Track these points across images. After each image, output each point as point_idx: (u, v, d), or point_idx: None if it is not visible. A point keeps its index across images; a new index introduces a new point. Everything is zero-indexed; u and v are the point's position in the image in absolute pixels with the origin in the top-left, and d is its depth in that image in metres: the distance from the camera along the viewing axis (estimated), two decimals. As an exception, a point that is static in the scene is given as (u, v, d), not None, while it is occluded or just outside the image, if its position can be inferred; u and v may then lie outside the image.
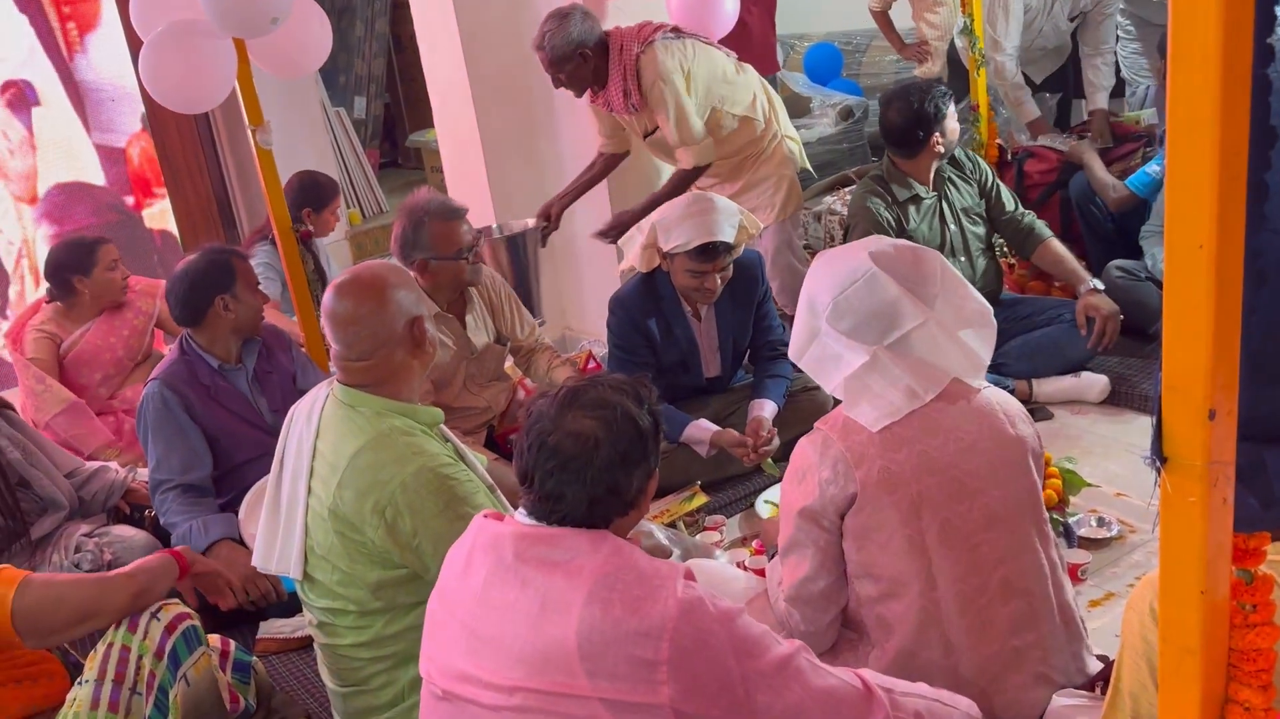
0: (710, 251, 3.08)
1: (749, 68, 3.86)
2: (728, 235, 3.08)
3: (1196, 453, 0.95)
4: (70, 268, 3.78)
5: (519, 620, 1.54)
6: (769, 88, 3.97)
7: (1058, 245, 3.69)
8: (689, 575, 1.57)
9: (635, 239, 3.30)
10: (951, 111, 3.53)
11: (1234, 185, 0.91)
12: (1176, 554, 0.99)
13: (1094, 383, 3.53)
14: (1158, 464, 0.97)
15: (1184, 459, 0.96)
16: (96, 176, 5.24)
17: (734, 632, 1.54)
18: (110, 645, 2.03)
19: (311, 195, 4.24)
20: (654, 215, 3.24)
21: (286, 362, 3.26)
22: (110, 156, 5.18)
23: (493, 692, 1.55)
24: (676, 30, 3.67)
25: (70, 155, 5.18)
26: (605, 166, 4.01)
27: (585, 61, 3.57)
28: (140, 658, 2.02)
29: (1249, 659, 1.03)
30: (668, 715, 1.48)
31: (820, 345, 2.03)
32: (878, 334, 1.99)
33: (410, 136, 7.85)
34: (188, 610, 2.12)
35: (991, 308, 2.09)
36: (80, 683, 2.03)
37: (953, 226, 3.62)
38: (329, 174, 5.87)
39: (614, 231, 3.82)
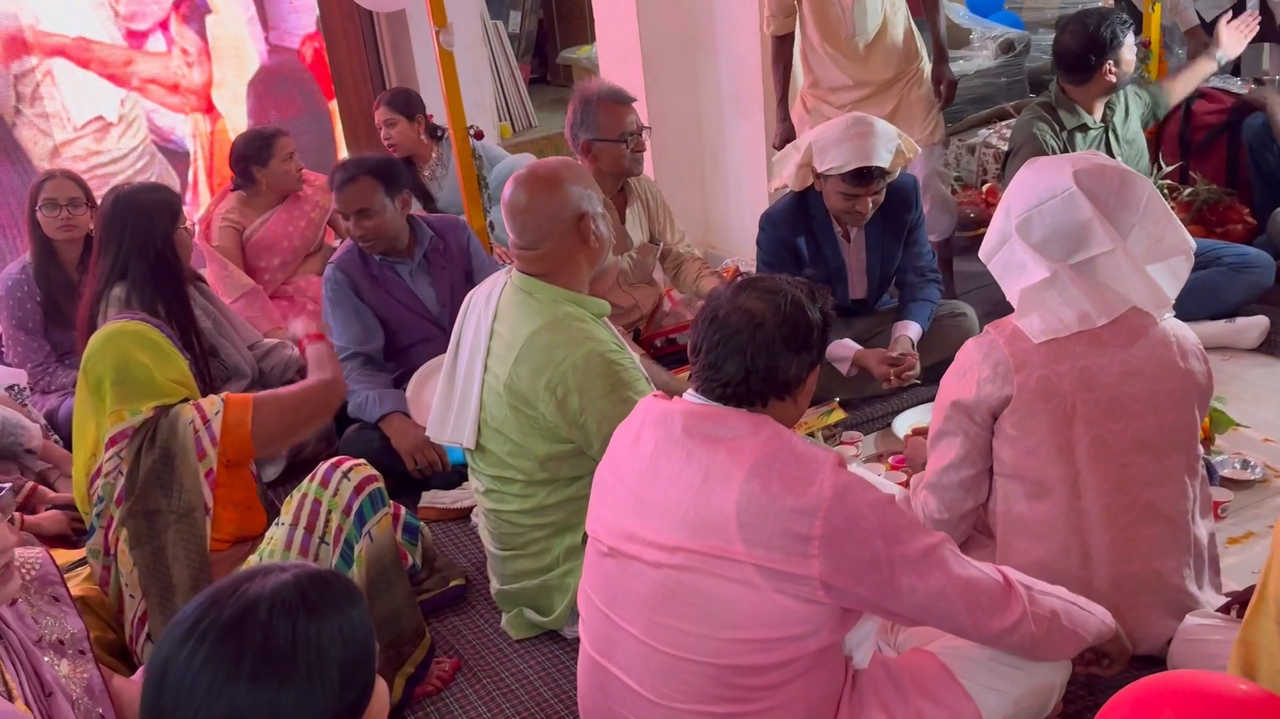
0: (864, 176, 3.10)
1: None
2: (883, 160, 3.09)
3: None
4: (249, 158, 4.05)
5: (684, 488, 1.66)
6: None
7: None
8: (842, 463, 1.66)
9: (791, 157, 3.34)
10: (1130, 42, 3.44)
11: None
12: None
13: (1251, 327, 3.46)
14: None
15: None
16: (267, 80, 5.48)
17: (884, 516, 1.63)
18: (304, 495, 2.21)
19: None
20: (811, 135, 3.28)
21: (460, 255, 3.37)
22: (282, 56, 5.42)
23: (656, 550, 1.68)
24: None
25: (240, 59, 5.42)
26: (780, 50, 3.96)
27: None
28: (330, 513, 2.19)
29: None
30: (816, 587, 1.59)
31: (1008, 251, 2.07)
32: (1064, 252, 2.01)
33: (561, 53, 7.94)
34: (375, 473, 2.27)
35: (1195, 244, 2.07)
36: (278, 524, 2.23)
37: (1118, 158, 3.57)
38: (481, 90, 6.06)
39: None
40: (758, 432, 1.67)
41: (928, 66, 3.91)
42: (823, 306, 1.77)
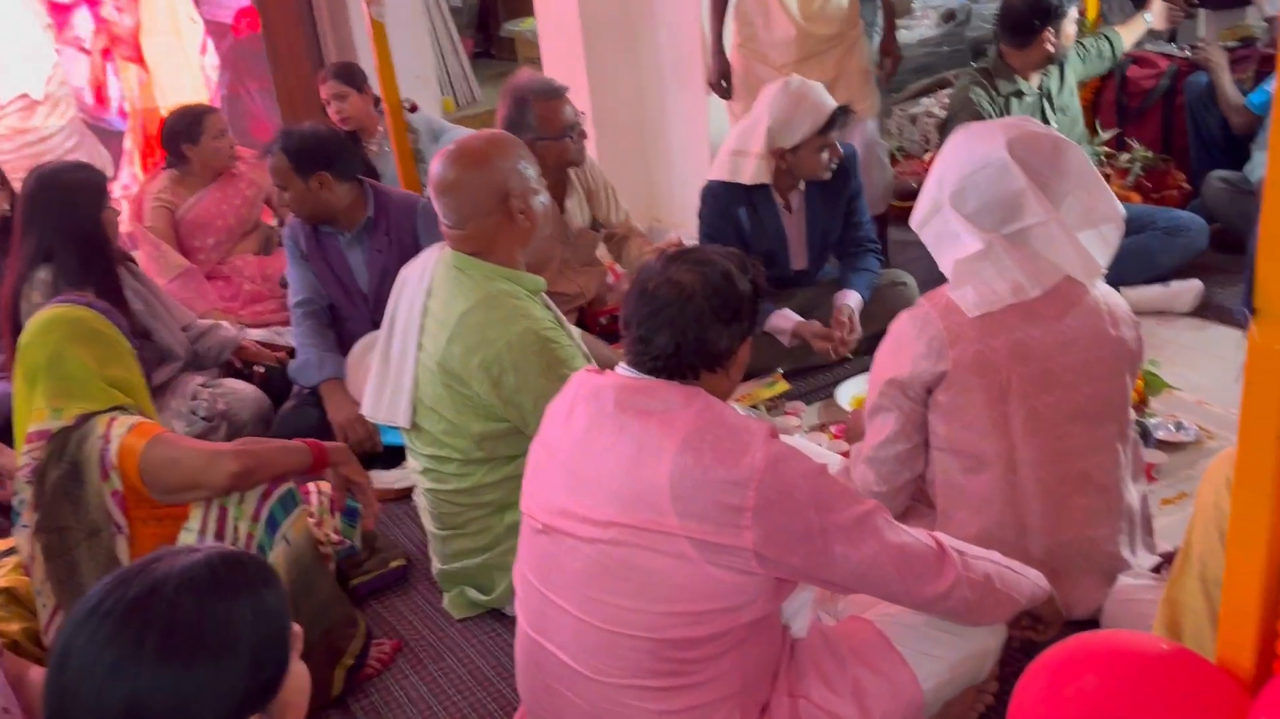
0: (834, 118, 3.17)
1: None
2: (835, 100, 3.18)
3: (1285, 303, 1.00)
4: (180, 136, 3.96)
5: (616, 462, 1.64)
6: None
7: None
8: (775, 433, 1.65)
9: (744, 161, 3.27)
10: (1073, 14, 3.49)
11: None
12: (1257, 402, 1.05)
13: (1186, 291, 3.51)
14: (1247, 314, 1.03)
15: (1273, 310, 1.01)
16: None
17: (816, 486, 1.63)
18: (209, 502, 2.10)
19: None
20: (753, 128, 3.23)
21: (407, 236, 3.23)
22: (217, 32, 5.29)
23: (590, 525, 1.66)
24: None
25: (175, 33, 5.28)
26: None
27: None
28: (237, 522, 2.10)
29: (1317, 506, 1.09)
30: (750, 558, 1.59)
31: (941, 221, 2.06)
32: (997, 222, 2.01)
33: (504, 26, 7.85)
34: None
35: (1125, 212, 2.07)
36: (186, 530, 2.11)
37: (1054, 124, 3.59)
38: (423, 63, 5.96)
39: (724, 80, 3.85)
40: (690, 404, 1.66)
41: (864, 40, 3.88)
42: (753, 277, 1.75)
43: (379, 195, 3.25)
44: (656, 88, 4.55)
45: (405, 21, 5.76)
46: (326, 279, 3.25)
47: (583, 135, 3.36)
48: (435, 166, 2.28)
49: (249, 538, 2.10)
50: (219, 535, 2.10)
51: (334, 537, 2.55)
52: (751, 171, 3.25)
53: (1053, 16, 3.44)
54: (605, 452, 1.67)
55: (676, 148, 4.58)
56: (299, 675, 1.16)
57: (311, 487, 2.62)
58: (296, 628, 1.17)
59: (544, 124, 3.24)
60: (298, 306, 3.24)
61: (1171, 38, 4.64)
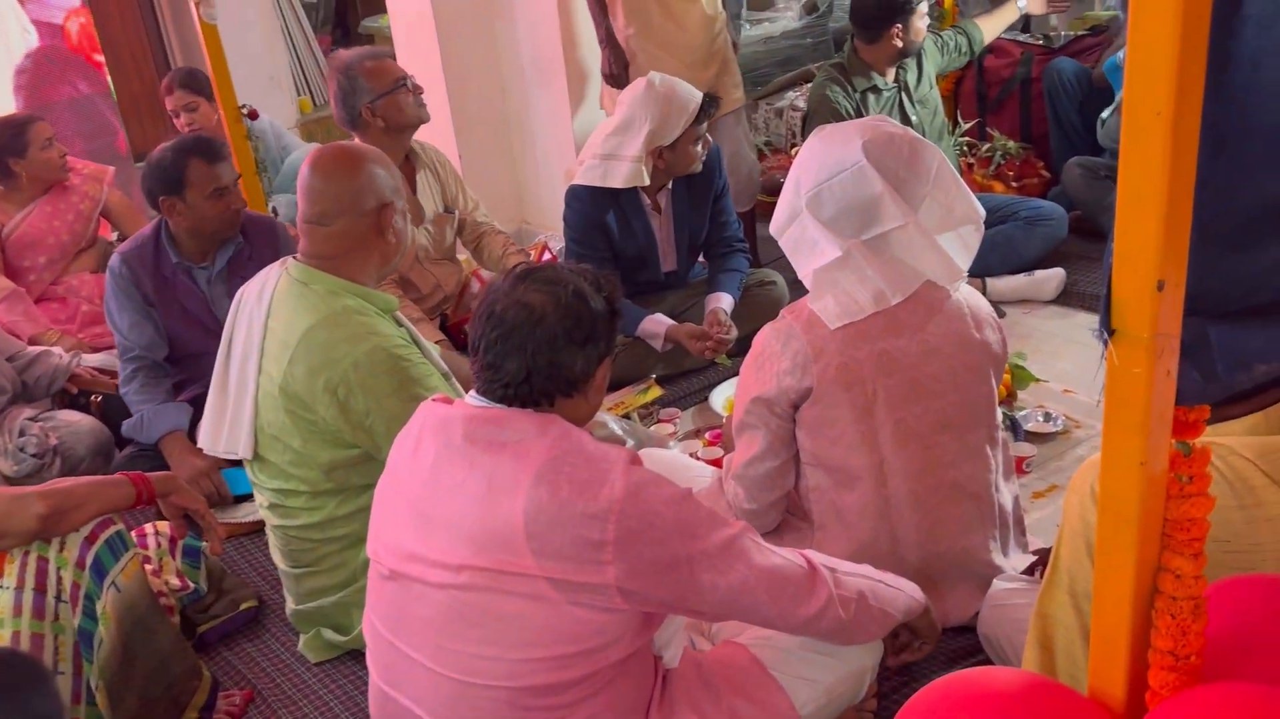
0: (705, 106, 3.13)
1: None
2: (699, 91, 3.16)
3: (1144, 324, 0.95)
4: (4, 150, 3.64)
5: (467, 500, 1.53)
6: None
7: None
8: (635, 459, 1.57)
9: (616, 165, 3.18)
10: (923, 10, 3.49)
11: (1194, 51, 0.89)
12: (1119, 425, 1.00)
13: (1049, 279, 3.56)
14: (1105, 336, 0.97)
15: (1131, 330, 0.96)
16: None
17: (679, 513, 1.54)
18: (26, 553, 1.88)
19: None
20: (637, 133, 3.14)
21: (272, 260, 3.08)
22: (46, 33, 4.95)
23: (440, 569, 1.55)
24: None
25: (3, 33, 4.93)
26: None
27: None
28: (59, 570, 1.89)
29: (1182, 528, 1.04)
30: (613, 594, 1.50)
31: (799, 227, 2.00)
32: (856, 228, 1.95)
33: (363, 22, 7.59)
34: (109, 517, 1.99)
35: (985, 212, 2.04)
36: (1, 588, 1.89)
37: (914, 118, 3.59)
38: (276, 63, 5.71)
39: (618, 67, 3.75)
40: (544, 433, 1.55)
41: (727, 30, 3.84)
42: (608, 295, 1.66)
43: (245, 220, 3.00)
44: (518, 86, 4.42)
45: (253, 21, 5.51)
46: (178, 319, 2.95)
47: (419, 89, 3.26)
48: (308, 164, 2.15)
49: (75, 587, 1.91)
50: (39, 589, 1.88)
51: (175, 582, 2.36)
52: (625, 175, 3.15)
53: (901, 12, 3.45)
54: (455, 489, 1.56)
55: (542, 148, 4.46)
56: None
57: (149, 528, 2.43)
58: None
59: (375, 82, 3.17)
60: (130, 361, 2.93)
61: (1025, 27, 4.72)
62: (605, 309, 1.64)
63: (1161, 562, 1.06)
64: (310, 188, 2.14)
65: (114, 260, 2.98)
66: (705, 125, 3.18)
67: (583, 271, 1.66)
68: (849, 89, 3.53)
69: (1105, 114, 3.79)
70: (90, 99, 4.92)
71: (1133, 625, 1.07)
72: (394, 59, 3.27)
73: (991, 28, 3.97)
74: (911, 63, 3.63)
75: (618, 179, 3.17)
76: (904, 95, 3.60)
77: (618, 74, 3.73)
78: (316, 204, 2.13)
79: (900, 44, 3.50)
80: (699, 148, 3.20)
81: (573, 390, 1.61)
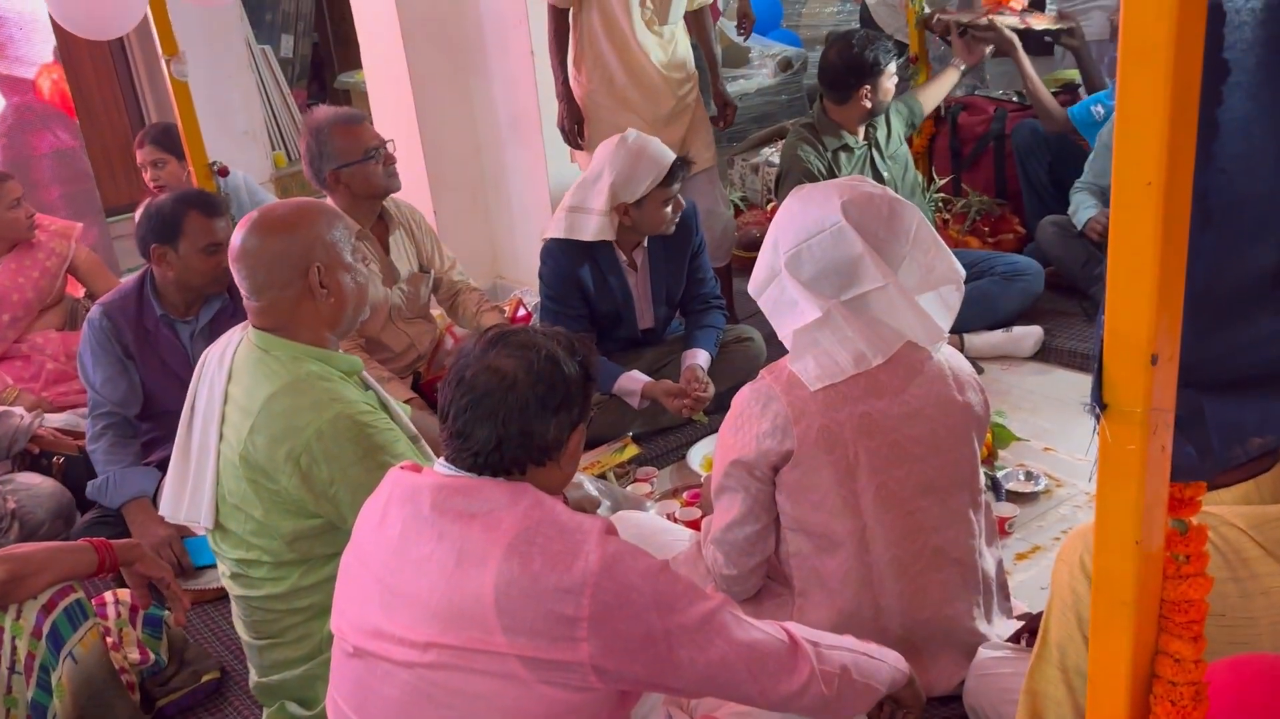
0: (675, 169, 3.11)
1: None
2: (672, 153, 3.13)
3: (1137, 399, 0.91)
4: (-33, 209, 3.59)
5: (435, 574, 1.47)
6: None
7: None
8: (611, 530, 1.51)
9: (584, 219, 3.17)
10: (891, 70, 3.49)
11: (1185, 119, 0.87)
12: (1113, 504, 0.96)
13: (1027, 335, 3.55)
14: (1097, 411, 0.93)
15: (1124, 406, 0.92)
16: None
17: (656, 587, 1.49)
18: None
19: None
20: (602, 187, 3.12)
21: None
22: (18, 88, 4.91)
23: (406, 648, 1.49)
24: None
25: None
26: (558, 22, 3.69)
27: None
28: (14, 639, 1.85)
29: (1180, 610, 1.00)
30: (587, 673, 1.44)
31: (778, 288, 1.97)
32: (835, 289, 1.93)
33: (339, 77, 7.60)
34: (70, 584, 1.95)
35: (964, 270, 2.03)
36: None
37: (885, 174, 3.60)
38: (251, 118, 5.69)
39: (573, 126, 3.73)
40: (516, 503, 1.50)
41: (698, 90, 3.84)
42: (582, 359, 1.61)
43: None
44: (493, 143, 4.41)
45: (229, 75, 5.51)
46: (158, 375, 2.89)
47: (391, 159, 3.19)
48: (238, 232, 2.07)
49: (29, 658, 1.86)
50: None
51: (135, 655, 2.27)
52: (594, 229, 3.14)
53: (869, 74, 3.45)
54: (422, 561, 1.49)
55: (518, 204, 4.44)
56: None
57: (108, 596, 2.34)
58: None
59: (345, 150, 3.10)
60: (100, 417, 2.87)
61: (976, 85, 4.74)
62: (579, 374, 1.60)
63: (1159, 645, 1.01)
64: (236, 262, 2.05)
65: (94, 312, 2.93)
66: (677, 187, 3.15)
67: (556, 335, 1.61)
68: (820, 148, 3.53)
69: (1073, 190, 3.76)
70: (72, 150, 4.88)
71: (1130, 713, 1.02)
72: (370, 121, 3.19)
73: (931, 97, 3.97)
74: (880, 120, 3.64)
75: (586, 232, 3.15)
76: (875, 152, 3.61)
77: (569, 129, 3.73)
78: (244, 279, 2.05)
79: (869, 104, 3.50)
80: (669, 210, 3.16)
81: (545, 458, 1.56)
